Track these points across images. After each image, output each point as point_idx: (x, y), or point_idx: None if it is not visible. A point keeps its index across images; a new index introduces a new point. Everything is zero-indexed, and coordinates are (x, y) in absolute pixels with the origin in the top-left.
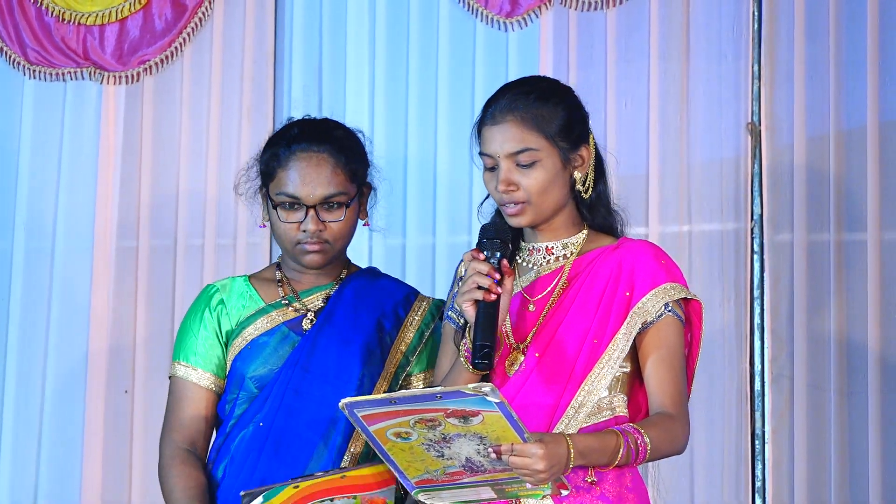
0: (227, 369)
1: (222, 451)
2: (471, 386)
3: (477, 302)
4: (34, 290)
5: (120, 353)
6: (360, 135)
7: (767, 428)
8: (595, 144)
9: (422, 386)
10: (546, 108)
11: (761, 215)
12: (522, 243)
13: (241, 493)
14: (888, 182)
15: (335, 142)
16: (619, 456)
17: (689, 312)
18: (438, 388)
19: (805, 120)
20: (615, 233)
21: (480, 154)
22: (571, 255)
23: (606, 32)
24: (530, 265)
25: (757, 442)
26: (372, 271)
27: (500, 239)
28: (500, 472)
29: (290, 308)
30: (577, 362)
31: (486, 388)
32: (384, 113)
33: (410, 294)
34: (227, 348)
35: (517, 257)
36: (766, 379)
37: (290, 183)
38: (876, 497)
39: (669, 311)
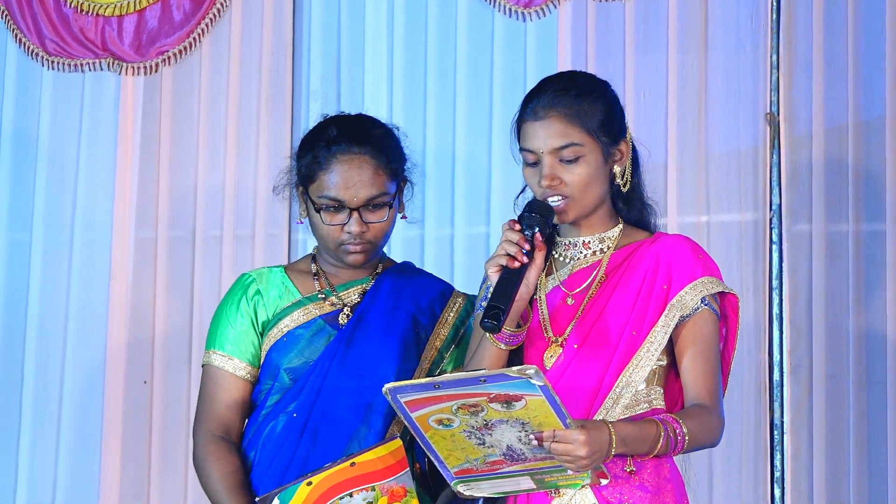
0: (262, 359)
1: (253, 440)
2: (515, 368)
3: (502, 268)
4: (53, 282)
5: (139, 345)
6: (396, 131)
7: (786, 418)
8: (631, 138)
9: None
10: (587, 103)
11: (780, 206)
12: (558, 238)
13: (256, 499)
14: None
15: (375, 141)
16: (659, 445)
17: (724, 306)
18: (482, 371)
19: (823, 110)
20: (649, 226)
21: (522, 150)
22: (608, 249)
23: (625, 23)
24: (567, 259)
25: (776, 432)
26: (408, 266)
27: (541, 216)
28: (541, 461)
29: (327, 302)
30: (616, 354)
31: (531, 370)
32: (402, 104)
33: (446, 290)
34: (262, 338)
35: (553, 252)
36: (784, 369)
37: (332, 186)
38: (895, 486)
39: (706, 304)
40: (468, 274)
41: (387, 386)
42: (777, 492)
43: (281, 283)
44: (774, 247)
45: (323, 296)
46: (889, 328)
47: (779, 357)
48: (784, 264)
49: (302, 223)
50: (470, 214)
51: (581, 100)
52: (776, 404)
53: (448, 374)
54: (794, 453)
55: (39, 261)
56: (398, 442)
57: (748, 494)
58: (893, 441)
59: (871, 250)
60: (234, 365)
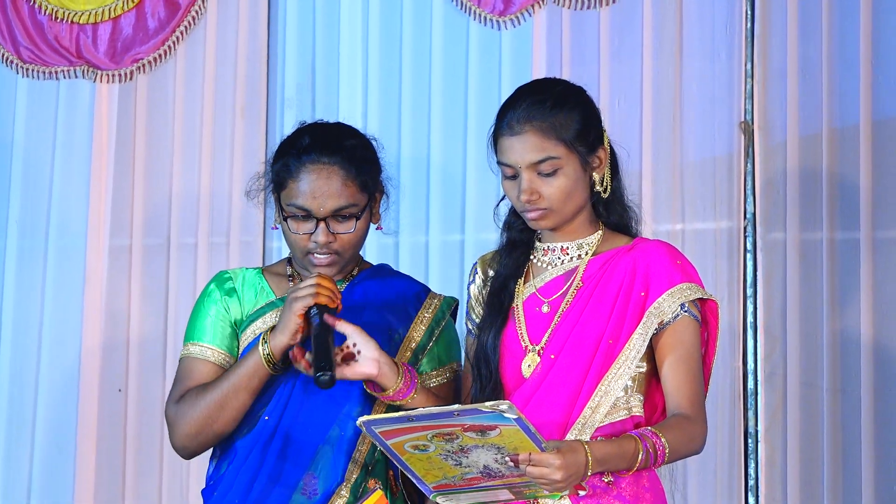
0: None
1: (223, 444)
2: (488, 404)
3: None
4: (28, 289)
5: (113, 352)
6: (373, 142)
7: (760, 426)
8: (609, 142)
9: (435, 383)
10: (563, 113)
11: (754, 214)
12: (537, 243)
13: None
14: (881, 180)
15: (346, 152)
16: (639, 461)
17: (705, 312)
18: (455, 406)
19: (798, 118)
20: (629, 230)
21: (499, 163)
22: (586, 255)
23: (600, 31)
24: (544, 265)
25: (750, 440)
26: (383, 269)
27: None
28: (518, 477)
29: None
30: (593, 363)
31: (504, 405)
32: (377, 112)
33: (421, 292)
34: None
35: (532, 257)
36: (759, 377)
37: (300, 195)
38: (869, 495)
39: (686, 311)
40: (443, 281)
41: (361, 419)
42: (751, 500)
43: (257, 284)
44: (749, 255)
45: None
46: (863, 336)
47: (753, 365)
48: (758, 272)
49: (277, 228)
50: (445, 221)
51: (556, 111)
52: (750, 412)
53: (420, 409)
54: (768, 461)
55: (14, 267)
56: (379, 493)
57: (722, 502)
58: (868, 449)
59: (845, 258)
60: (215, 353)
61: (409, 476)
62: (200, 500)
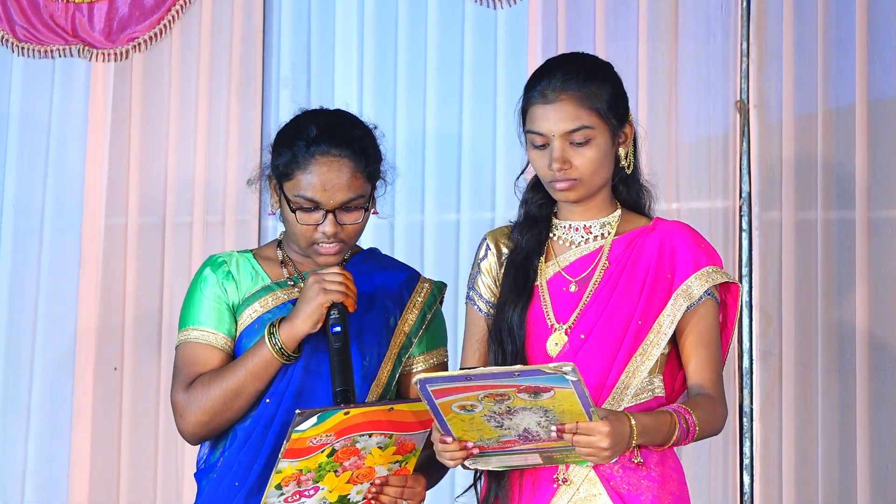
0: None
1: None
2: (552, 365)
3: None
4: (23, 269)
5: (109, 331)
6: (375, 130)
7: (755, 405)
8: (632, 119)
9: (422, 367)
10: (595, 85)
11: (750, 193)
12: (556, 220)
13: (297, 411)
14: (876, 160)
15: (355, 144)
16: (675, 436)
17: (724, 294)
18: (517, 367)
19: (794, 98)
20: (644, 210)
21: (528, 132)
22: (609, 234)
23: (595, 11)
24: (567, 244)
25: (745, 419)
26: (374, 253)
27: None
28: (554, 442)
29: (296, 289)
30: (623, 344)
31: (568, 367)
32: (372, 92)
33: (413, 276)
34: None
35: (552, 234)
36: (754, 357)
37: (309, 187)
38: (864, 474)
39: (709, 294)
40: (438, 261)
41: (418, 377)
42: (746, 479)
43: (251, 268)
44: (744, 234)
45: (292, 282)
46: (858, 316)
47: (748, 344)
48: (754, 252)
49: (273, 214)
50: (440, 202)
51: (590, 82)
52: (746, 391)
53: (481, 368)
54: (763, 440)
55: (9, 247)
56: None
57: (717, 481)
58: (862, 429)
59: (841, 238)
60: (215, 338)
61: (441, 432)
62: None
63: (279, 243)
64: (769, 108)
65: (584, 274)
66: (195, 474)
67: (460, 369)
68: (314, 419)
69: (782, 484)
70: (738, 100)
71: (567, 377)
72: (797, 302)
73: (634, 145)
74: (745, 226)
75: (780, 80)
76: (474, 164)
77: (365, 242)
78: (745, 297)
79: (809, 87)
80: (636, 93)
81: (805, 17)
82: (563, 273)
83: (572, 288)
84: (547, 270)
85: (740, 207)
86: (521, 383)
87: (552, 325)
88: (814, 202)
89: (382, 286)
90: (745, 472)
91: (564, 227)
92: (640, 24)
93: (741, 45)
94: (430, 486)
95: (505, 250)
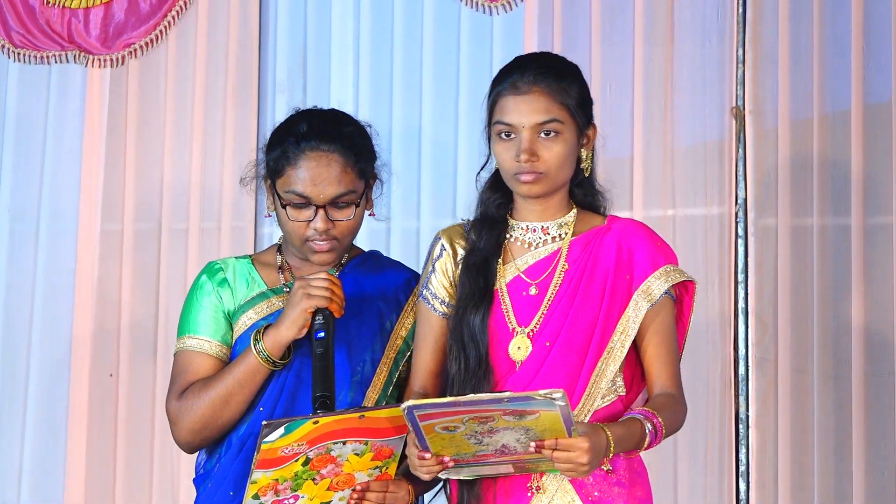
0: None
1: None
2: (541, 392)
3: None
4: (19, 274)
5: (105, 337)
6: (368, 129)
7: (751, 412)
8: (595, 124)
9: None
10: (566, 82)
11: (745, 199)
12: (513, 221)
13: (264, 422)
14: (872, 166)
15: (345, 139)
16: (646, 441)
17: (680, 291)
18: (507, 394)
19: (789, 104)
20: (600, 210)
21: (496, 123)
22: (567, 235)
23: (591, 15)
24: (525, 245)
25: (741, 426)
26: (374, 256)
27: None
28: (529, 455)
29: None
30: (589, 350)
31: (557, 394)
32: (368, 97)
33: (411, 279)
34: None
35: (509, 235)
36: (750, 363)
37: (299, 182)
38: (860, 481)
39: (666, 293)
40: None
41: (406, 404)
42: (742, 486)
43: (248, 274)
44: (740, 240)
45: (287, 289)
46: (854, 322)
47: (744, 351)
48: (749, 258)
49: (270, 216)
50: (436, 206)
51: (561, 79)
52: (741, 398)
53: (470, 395)
54: (759, 447)
55: (5, 252)
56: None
57: (713, 488)
58: (858, 435)
59: (836, 244)
60: (212, 346)
61: (419, 448)
62: (190, 484)
63: (279, 248)
64: (765, 113)
65: (544, 276)
66: (194, 480)
67: (447, 396)
68: (281, 430)
69: (778, 490)
70: (733, 105)
71: (556, 402)
72: (793, 308)
73: (593, 151)
74: (740, 232)
75: (776, 85)
76: (470, 169)
77: (360, 246)
78: (741, 304)
79: (805, 92)
80: (632, 98)
81: (801, 21)
82: (522, 276)
83: (532, 291)
84: (506, 273)
85: (736, 213)
86: (508, 408)
87: (513, 329)
88: (810, 208)
89: (378, 290)
90: (740, 479)
91: (522, 227)
92: (636, 29)
93: (737, 50)
94: (423, 491)
95: (460, 251)
